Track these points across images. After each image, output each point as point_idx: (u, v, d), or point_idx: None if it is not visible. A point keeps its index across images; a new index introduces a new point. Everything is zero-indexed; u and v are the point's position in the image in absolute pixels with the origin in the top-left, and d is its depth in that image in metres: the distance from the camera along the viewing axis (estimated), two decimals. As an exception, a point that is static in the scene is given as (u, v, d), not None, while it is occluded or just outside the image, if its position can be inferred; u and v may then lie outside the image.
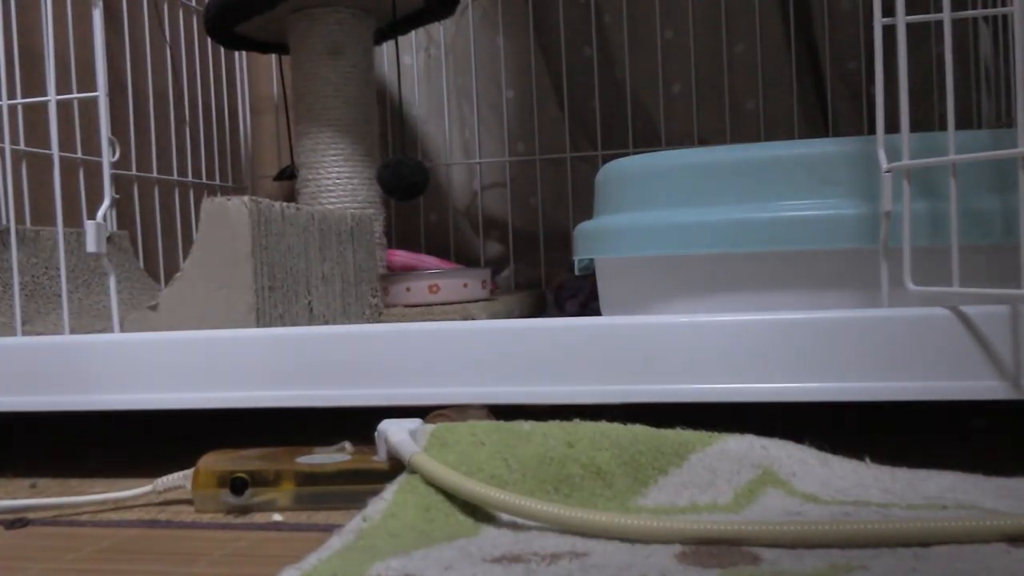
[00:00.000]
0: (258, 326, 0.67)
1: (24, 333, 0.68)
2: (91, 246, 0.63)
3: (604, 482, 0.46)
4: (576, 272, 1.17)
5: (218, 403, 0.59)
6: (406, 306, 1.08)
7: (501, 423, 0.51)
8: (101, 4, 0.66)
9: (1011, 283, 0.52)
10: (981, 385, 0.50)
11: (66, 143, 1.04)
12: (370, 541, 0.40)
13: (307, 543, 0.45)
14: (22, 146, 0.97)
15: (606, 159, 1.36)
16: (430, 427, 0.51)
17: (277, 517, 0.52)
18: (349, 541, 0.40)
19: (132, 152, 1.19)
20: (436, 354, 0.56)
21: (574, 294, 1.15)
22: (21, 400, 0.62)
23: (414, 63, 1.47)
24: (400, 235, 1.47)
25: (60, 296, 0.90)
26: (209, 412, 0.60)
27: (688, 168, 0.70)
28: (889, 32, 0.55)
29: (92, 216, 0.64)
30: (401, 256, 1.27)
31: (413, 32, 1.38)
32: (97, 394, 0.61)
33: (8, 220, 0.91)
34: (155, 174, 1.23)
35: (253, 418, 0.65)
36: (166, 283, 1.16)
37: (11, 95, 0.94)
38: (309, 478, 0.53)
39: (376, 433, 0.52)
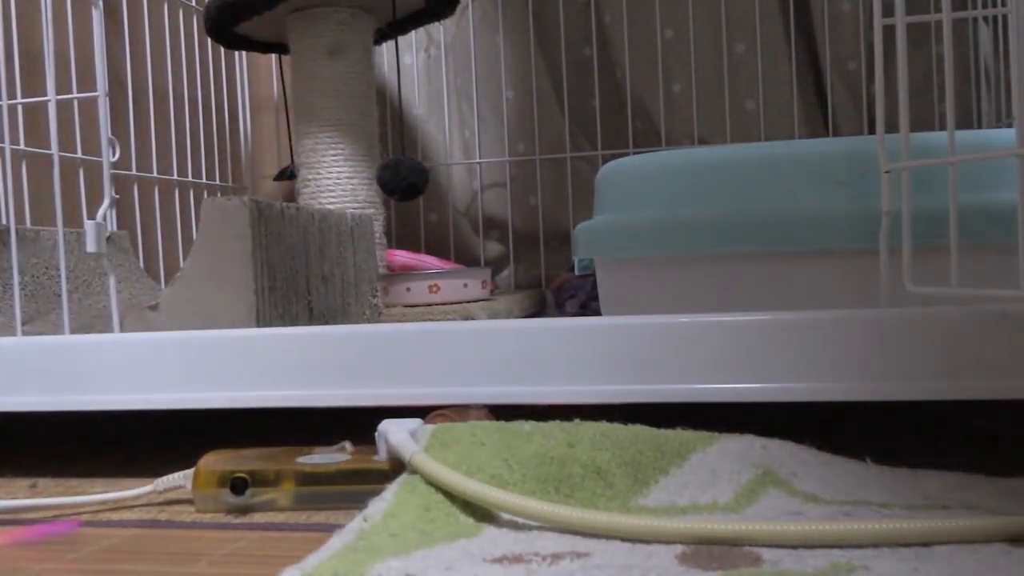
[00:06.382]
0: (258, 326, 0.67)
1: (24, 333, 0.68)
2: (91, 246, 0.63)
3: (605, 482, 0.46)
4: (576, 272, 1.17)
5: (218, 403, 0.59)
6: (406, 306, 1.08)
7: (501, 423, 0.51)
8: (101, 4, 0.66)
9: (1011, 283, 0.52)
10: (981, 385, 0.50)
11: (66, 143, 1.04)
12: (371, 541, 0.40)
13: (307, 543, 0.45)
14: (22, 146, 0.97)
15: (606, 159, 1.36)
16: (430, 427, 0.51)
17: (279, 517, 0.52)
18: (350, 541, 0.40)
19: (132, 152, 1.19)
20: (436, 354, 0.56)
21: (574, 294, 1.15)
22: (21, 400, 0.62)
23: (414, 63, 1.47)
24: (400, 235, 1.47)
25: (60, 296, 0.90)
26: (209, 412, 0.60)
27: (688, 168, 0.70)
28: (889, 32, 0.55)
29: (92, 216, 0.64)
30: (401, 256, 1.27)
31: (413, 32, 1.38)
32: (97, 394, 0.61)
33: (8, 220, 0.91)
34: (155, 174, 1.23)
35: (253, 418, 0.65)
36: (166, 283, 1.16)
37: (11, 95, 0.94)
38: (309, 478, 0.52)
39: (376, 433, 0.52)
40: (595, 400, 0.54)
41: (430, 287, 1.08)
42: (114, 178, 0.68)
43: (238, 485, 0.52)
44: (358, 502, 0.46)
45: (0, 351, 0.62)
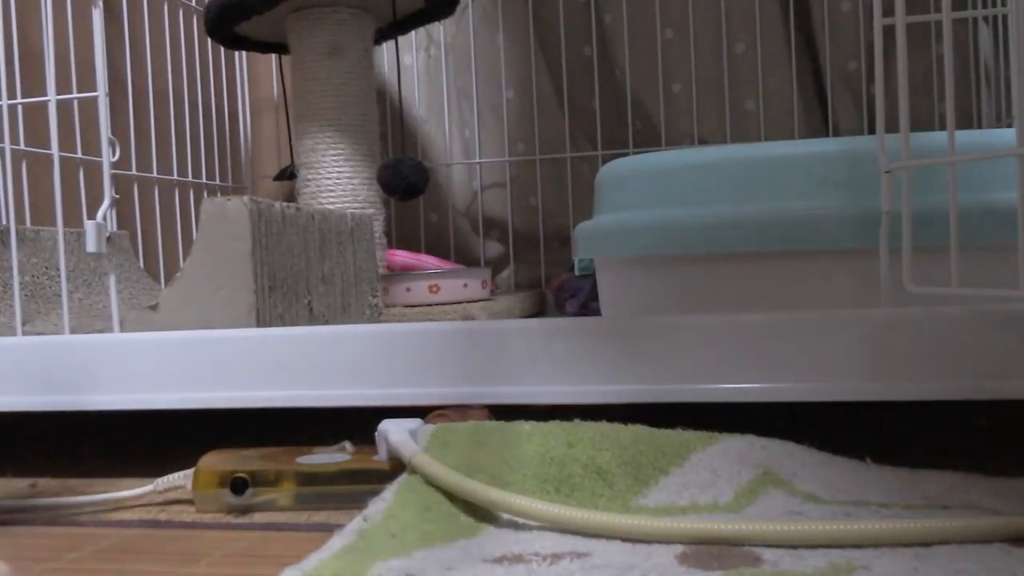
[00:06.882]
0: (258, 326, 0.67)
1: (24, 333, 0.68)
2: (91, 246, 0.63)
3: (605, 482, 0.46)
4: (576, 272, 1.17)
5: (218, 403, 0.59)
6: (406, 306, 1.08)
7: (501, 423, 0.51)
8: (101, 4, 0.66)
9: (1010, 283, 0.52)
10: (981, 385, 0.50)
11: (66, 143, 1.04)
12: (371, 541, 0.40)
13: (308, 543, 0.45)
14: (22, 146, 0.97)
15: (606, 159, 1.36)
16: (430, 427, 0.51)
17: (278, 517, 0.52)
18: (350, 541, 0.40)
19: (132, 152, 1.19)
20: (436, 354, 0.56)
21: (574, 294, 1.15)
22: (21, 400, 0.62)
23: (414, 63, 1.47)
24: (400, 235, 1.47)
25: (60, 296, 0.90)
26: (209, 412, 0.60)
27: (688, 168, 0.70)
28: (889, 32, 0.55)
29: (92, 216, 0.64)
30: (401, 256, 1.27)
31: (413, 32, 1.38)
32: (97, 394, 0.61)
33: (8, 220, 0.91)
34: (155, 174, 1.23)
35: (253, 418, 0.65)
36: (166, 283, 1.16)
37: (11, 95, 0.94)
38: (309, 478, 0.52)
39: (376, 433, 0.52)
40: (595, 400, 0.54)
41: (430, 287, 1.08)
42: (114, 178, 0.68)
43: (238, 485, 0.52)
44: (358, 502, 0.46)
45: (0, 351, 0.62)
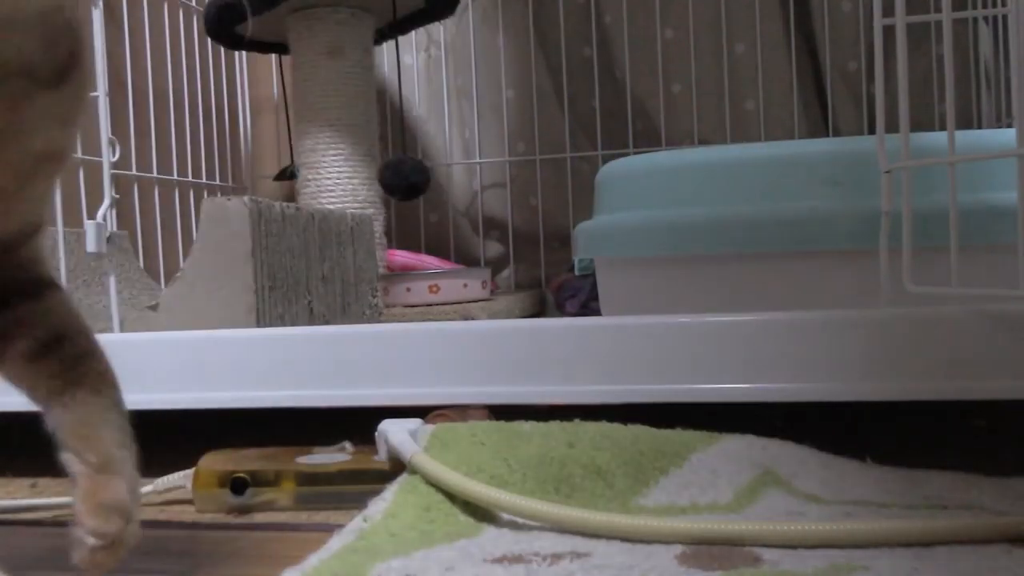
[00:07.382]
0: (258, 326, 0.67)
1: (24, 333, 0.68)
2: (91, 246, 0.63)
3: (605, 482, 0.46)
4: (576, 272, 1.17)
5: (218, 403, 0.59)
6: (406, 306, 1.08)
7: (501, 423, 0.51)
8: (101, 4, 0.66)
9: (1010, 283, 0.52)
10: (981, 385, 0.50)
11: (66, 143, 1.03)
12: (371, 541, 0.40)
13: (307, 543, 0.45)
14: (22, 146, 0.97)
15: (606, 159, 1.36)
16: (430, 427, 0.51)
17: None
18: (349, 541, 0.40)
19: (132, 152, 1.19)
20: (436, 354, 0.56)
21: (574, 294, 1.15)
22: (21, 400, 0.62)
23: (414, 63, 1.47)
24: (400, 235, 1.47)
25: (60, 296, 0.89)
26: (209, 412, 0.60)
27: (688, 168, 0.70)
28: (889, 32, 0.55)
29: (92, 216, 0.64)
30: (401, 256, 1.27)
31: (413, 32, 1.38)
32: (97, 394, 0.61)
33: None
34: (155, 174, 1.23)
35: (253, 418, 0.65)
36: (166, 283, 1.16)
37: (11, 95, 0.94)
38: (309, 478, 0.52)
39: (376, 433, 0.52)
40: (595, 400, 0.54)
41: (430, 287, 1.08)
42: (114, 178, 0.68)
43: (238, 485, 0.52)
44: (358, 502, 0.46)
45: (0, 351, 0.62)
